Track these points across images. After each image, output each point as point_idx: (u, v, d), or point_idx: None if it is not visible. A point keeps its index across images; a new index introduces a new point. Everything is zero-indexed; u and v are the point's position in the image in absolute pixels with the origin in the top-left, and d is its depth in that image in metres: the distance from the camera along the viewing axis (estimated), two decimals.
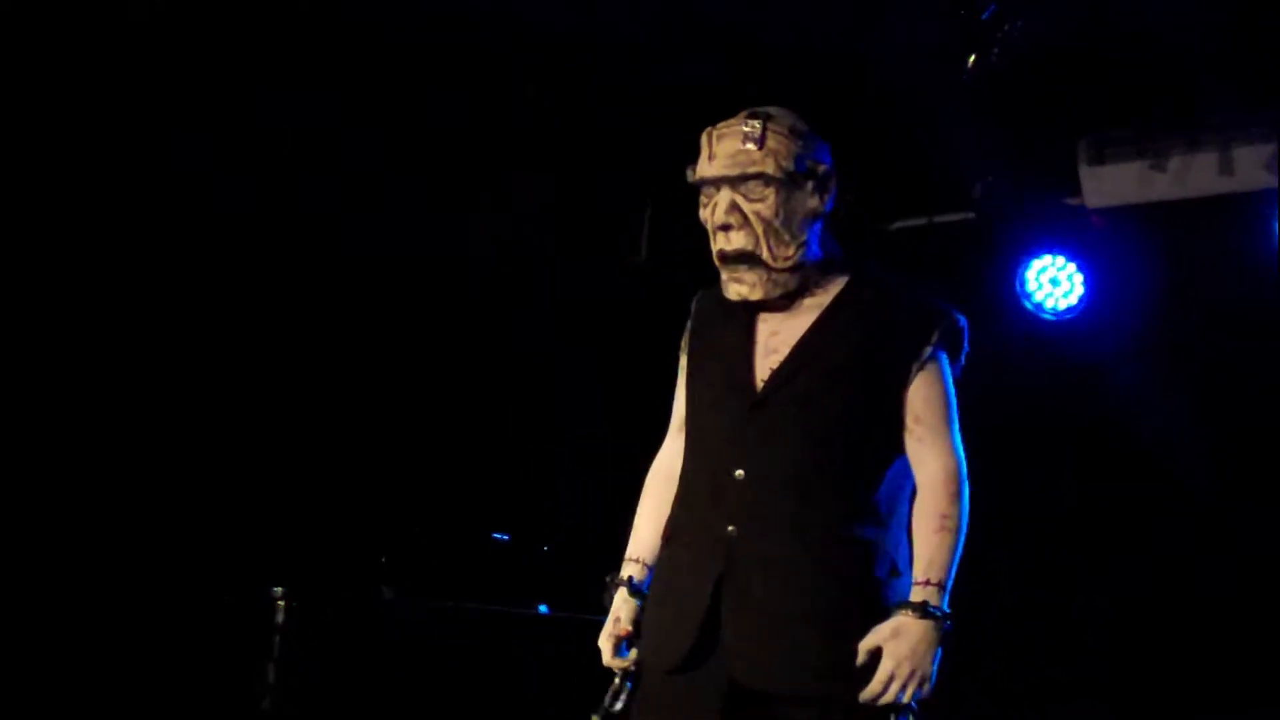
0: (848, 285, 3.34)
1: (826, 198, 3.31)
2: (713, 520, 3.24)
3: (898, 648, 3.07)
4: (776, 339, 3.31)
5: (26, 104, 5.64)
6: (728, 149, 3.27)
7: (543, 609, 5.83)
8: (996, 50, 5.17)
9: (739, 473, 3.22)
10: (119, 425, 5.98)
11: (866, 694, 3.07)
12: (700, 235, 3.35)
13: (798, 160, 3.25)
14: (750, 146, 3.24)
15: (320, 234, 6.43)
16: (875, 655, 3.09)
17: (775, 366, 3.28)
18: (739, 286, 3.30)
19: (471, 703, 5.53)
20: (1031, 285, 6.49)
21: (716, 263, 3.35)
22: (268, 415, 6.38)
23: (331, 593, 5.48)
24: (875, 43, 5.63)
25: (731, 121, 3.29)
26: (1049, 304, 6.47)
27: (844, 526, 3.19)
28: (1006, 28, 5.10)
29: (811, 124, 3.35)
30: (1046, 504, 6.35)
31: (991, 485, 6.40)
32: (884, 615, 3.13)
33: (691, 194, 3.37)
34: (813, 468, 3.20)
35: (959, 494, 3.23)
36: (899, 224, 6.84)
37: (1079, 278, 6.41)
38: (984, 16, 5.13)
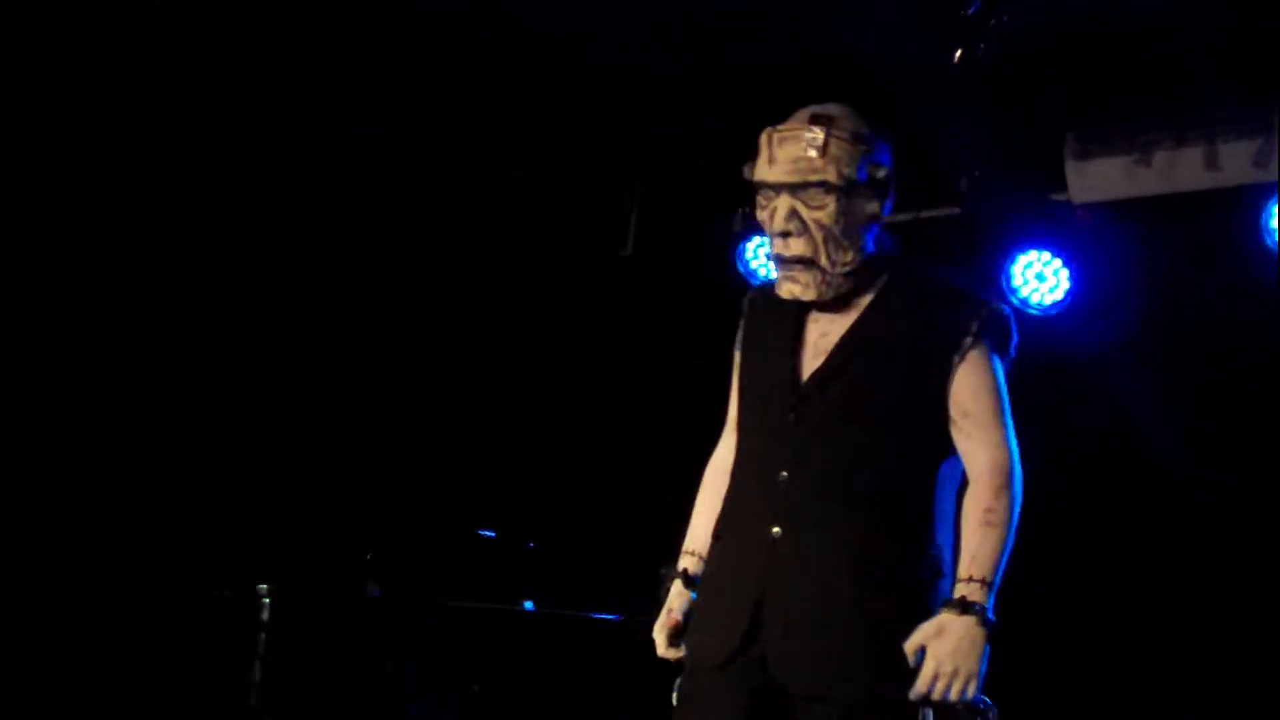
0: (888, 282, 3.34)
1: (885, 202, 3.32)
2: (759, 521, 3.25)
3: (940, 646, 3.07)
4: (825, 340, 3.32)
5: (27, 104, 5.63)
6: (789, 154, 3.25)
7: (528, 606, 5.82)
8: (982, 45, 5.16)
9: (783, 474, 3.23)
10: (111, 421, 5.98)
11: (914, 693, 3.08)
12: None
13: (860, 168, 3.25)
14: (813, 154, 3.23)
15: (320, 234, 6.43)
16: (921, 655, 3.08)
17: (817, 367, 3.29)
18: (793, 286, 3.29)
19: (457, 699, 5.52)
20: (1017, 280, 6.47)
21: (772, 264, 3.37)
22: (261, 412, 6.38)
23: (318, 589, 5.47)
24: (861, 37, 5.62)
25: (794, 125, 3.28)
26: (1035, 299, 6.46)
27: (886, 528, 3.20)
28: (993, 22, 5.09)
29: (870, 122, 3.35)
30: (1033, 500, 6.34)
31: None
32: (926, 617, 3.12)
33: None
34: (854, 468, 3.21)
35: (1007, 488, 3.22)
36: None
37: (1065, 273, 6.40)
38: (970, 11, 5.12)
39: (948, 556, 3.22)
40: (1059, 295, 6.42)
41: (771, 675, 3.18)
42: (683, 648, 3.35)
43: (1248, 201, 5.84)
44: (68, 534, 5.85)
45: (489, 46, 5.84)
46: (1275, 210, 5.76)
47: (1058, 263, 6.42)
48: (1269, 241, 5.76)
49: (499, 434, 7.01)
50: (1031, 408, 6.32)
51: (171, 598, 5.71)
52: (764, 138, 3.30)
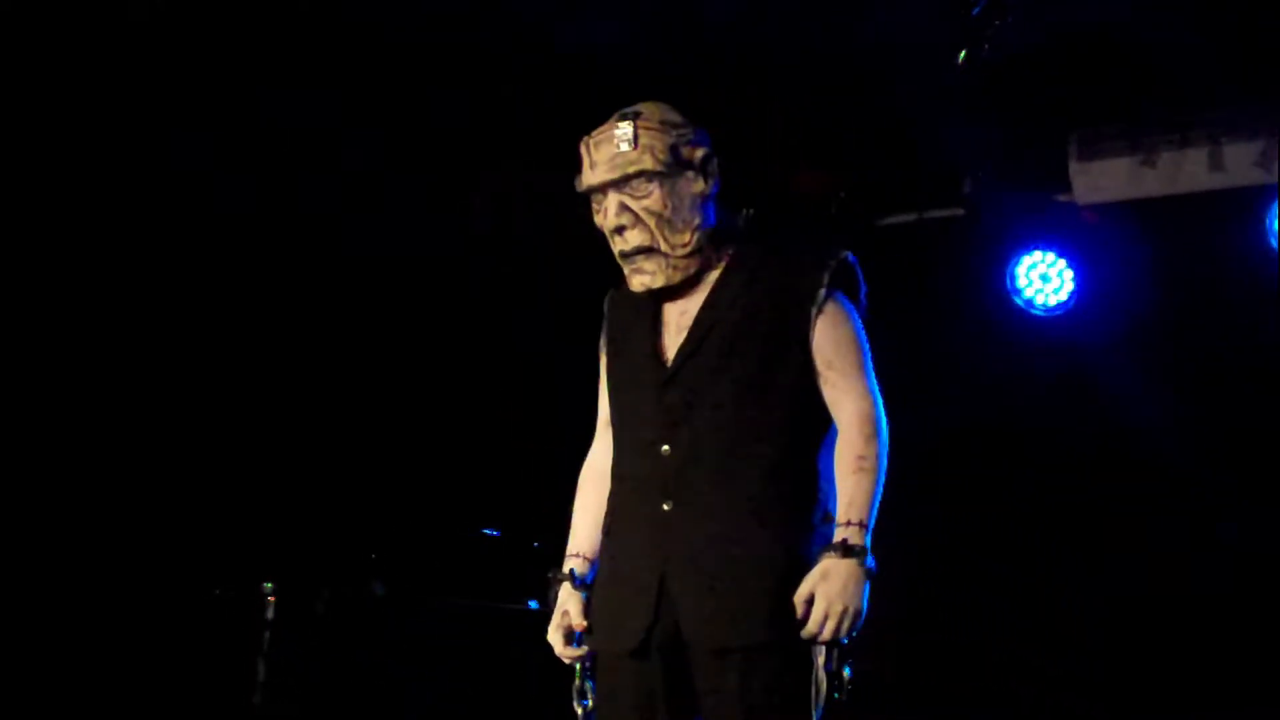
0: (736, 252, 3.41)
1: (711, 180, 3.39)
2: (649, 501, 3.31)
3: (828, 588, 3.12)
4: (685, 318, 3.39)
5: (26, 104, 5.63)
6: (605, 154, 3.35)
7: (533, 605, 5.83)
8: (987, 46, 5.16)
9: (664, 449, 3.30)
10: (113, 420, 5.98)
11: (805, 633, 3.14)
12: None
13: (672, 150, 3.33)
14: (625, 148, 3.32)
15: (320, 234, 6.43)
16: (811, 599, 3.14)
17: (680, 343, 3.36)
18: (641, 277, 3.38)
19: (462, 698, 5.53)
20: (1022, 281, 6.49)
21: (619, 262, 3.43)
22: (265, 411, 6.39)
23: (322, 588, 5.48)
24: (866, 39, 5.62)
25: (604, 127, 3.38)
26: (1039, 300, 6.47)
27: (774, 484, 3.25)
28: (997, 23, 5.10)
29: (687, 116, 3.41)
30: (1037, 499, 6.36)
31: (982, 480, 6.46)
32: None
33: None
34: (732, 432, 3.27)
35: (875, 435, 3.26)
36: (889, 220, 6.84)
37: (1069, 274, 6.42)
38: (975, 12, 5.12)
39: (834, 505, 3.28)
40: (1063, 296, 6.43)
41: (684, 640, 3.24)
42: (583, 647, 3.41)
43: (1251, 202, 5.85)
44: (72, 533, 5.85)
45: (487, 46, 5.83)
46: (1278, 211, 5.77)
47: (1062, 264, 6.43)
48: (1272, 242, 5.77)
49: (502, 433, 7.01)
50: (1035, 407, 6.39)
51: (176, 596, 5.71)
52: (582, 147, 3.40)
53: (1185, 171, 5.94)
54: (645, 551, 3.30)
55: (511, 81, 6.10)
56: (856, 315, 3.38)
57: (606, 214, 3.38)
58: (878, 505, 3.23)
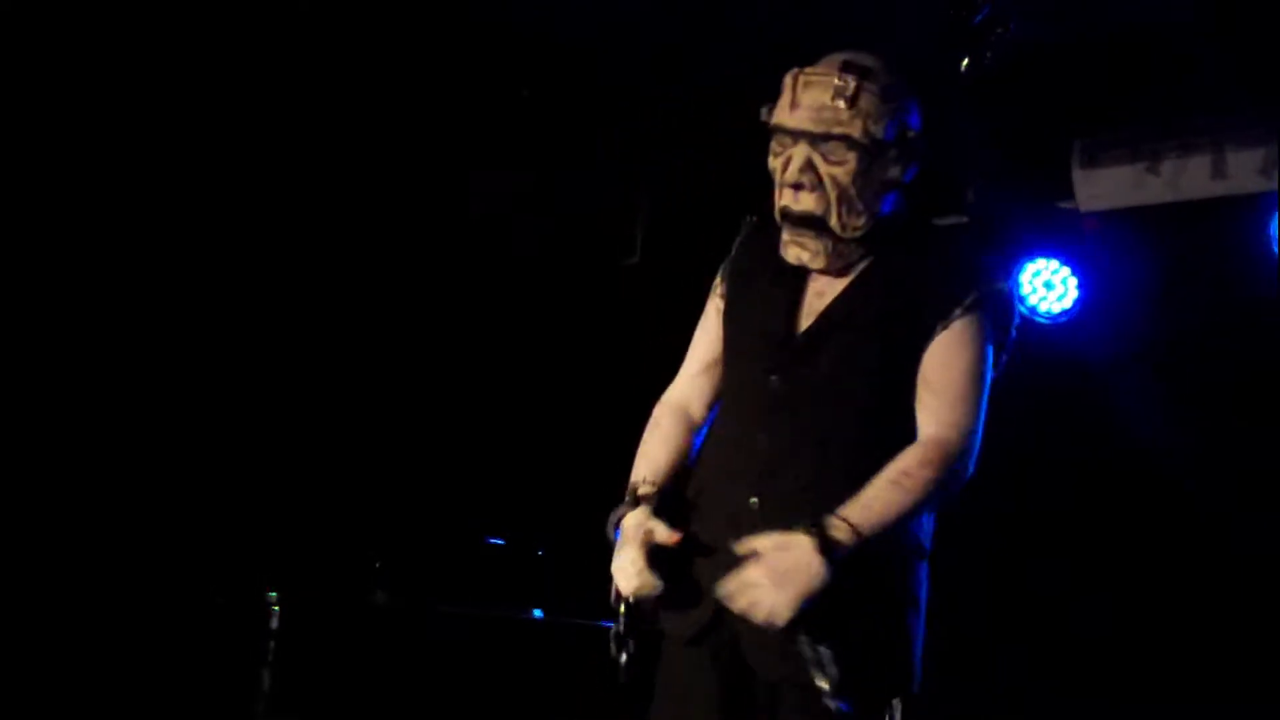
0: (893, 246, 3.08)
1: (909, 168, 3.08)
2: (736, 489, 3.03)
3: (776, 559, 2.82)
4: (820, 300, 3.08)
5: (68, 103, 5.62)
6: (814, 100, 3.00)
7: (537, 614, 5.83)
8: (989, 53, 5.16)
9: (762, 438, 3.01)
10: (115, 426, 5.98)
11: (719, 590, 2.86)
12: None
13: (888, 126, 3.01)
14: (840, 104, 2.97)
15: (323, 236, 6.43)
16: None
17: (805, 328, 3.06)
18: (800, 251, 3.05)
19: (465, 708, 5.52)
20: (1025, 289, 6.48)
21: (778, 218, 3.08)
22: (265, 419, 6.38)
23: (326, 597, 5.47)
24: (866, 45, 5.61)
25: (823, 68, 3.03)
26: (1042, 307, 6.46)
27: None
28: (999, 30, 5.09)
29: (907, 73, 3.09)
30: (1041, 508, 6.35)
31: (985, 490, 6.45)
32: (904, 598, 2.95)
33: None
34: (833, 436, 2.97)
35: (937, 465, 2.92)
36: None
37: (1073, 281, 6.41)
38: (976, 20, 5.12)
39: (928, 533, 3.04)
40: (1067, 304, 6.42)
41: (742, 659, 2.98)
42: (675, 534, 3.00)
43: (1255, 209, 5.85)
44: (77, 542, 5.85)
45: (487, 46, 5.82)
46: None
47: (1065, 271, 6.42)
48: (1275, 249, 5.76)
49: (507, 442, 7.01)
50: (1038, 415, 6.38)
51: (181, 605, 5.71)
52: (788, 79, 3.05)
53: (1188, 179, 5.93)
54: (723, 544, 2.96)
55: (521, 85, 6.06)
56: (988, 347, 3.04)
57: (790, 164, 3.00)
58: (894, 529, 2.89)
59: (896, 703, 2.94)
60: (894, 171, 3.05)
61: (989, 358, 3.06)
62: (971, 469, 3.02)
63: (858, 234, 3.03)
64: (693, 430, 3.22)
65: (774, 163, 3.07)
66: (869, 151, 2.99)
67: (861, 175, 3.00)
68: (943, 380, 2.99)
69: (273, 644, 5.24)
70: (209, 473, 6.19)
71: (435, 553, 5.95)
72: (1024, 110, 6.00)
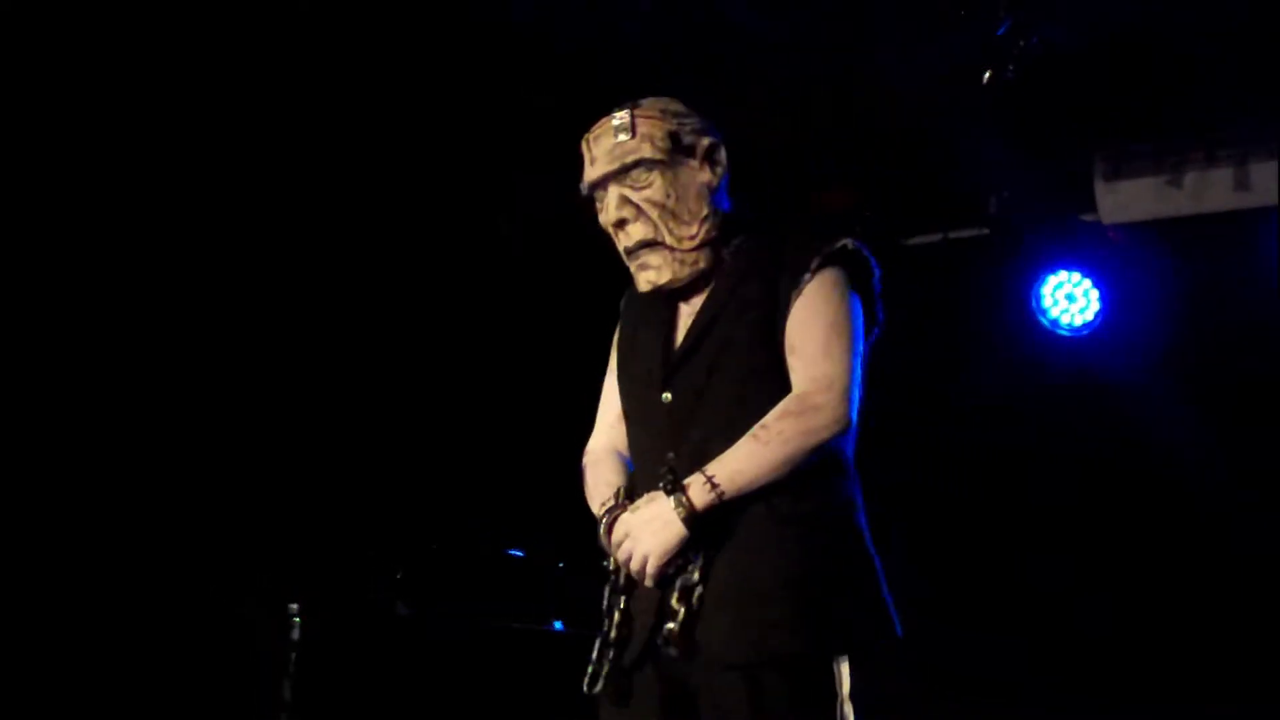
0: (741, 244, 3.19)
1: (719, 170, 3.19)
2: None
3: (634, 515, 3.02)
4: (690, 318, 3.19)
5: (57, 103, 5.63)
6: (604, 147, 3.16)
7: (558, 626, 5.83)
8: (1012, 66, 5.16)
9: (670, 455, 3.08)
10: (137, 438, 5.99)
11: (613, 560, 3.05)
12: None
13: (672, 137, 3.14)
14: (623, 137, 3.13)
15: (329, 238, 6.44)
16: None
17: (680, 342, 3.17)
18: (646, 273, 3.17)
19: (486, 718, 5.53)
20: (1047, 301, 6.48)
21: (625, 261, 3.22)
22: (286, 430, 6.39)
23: (348, 608, 5.48)
24: (890, 59, 5.63)
25: (602, 121, 3.19)
26: (1065, 320, 6.46)
27: (787, 488, 2.99)
28: (1022, 43, 5.10)
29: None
30: (1062, 519, 6.35)
31: (1007, 500, 6.45)
32: (838, 565, 3.00)
33: None
34: (731, 432, 3.02)
35: (795, 413, 2.98)
36: (915, 240, 6.84)
37: (1095, 293, 6.41)
38: (999, 32, 5.13)
39: (856, 509, 3.08)
40: (1089, 316, 6.42)
41: (704, 653, 3.00)
42: None
43: (1278, 221, 5.84)
44: (99, 555, 5.86)
45: (498, 49, 5.82)
46: None
47: (1087, 283, 6.42)
48: None
49: (529, 455, 7.01)
50: (1061, 427, 6.38)
51: (203, 617, 5.72)
52: (582, 145, 3.21)
53: (1211, 191, 5.93)
54: None
55: (524, 85, 6.05)
56: (849, 298, 3.11)
57: (607, 209, 3.18)
58: (757, 484, 2.96)
59: (844, 661, 2.97)
60: (703, 176, 3.17)
61: (853, 309, 3.12)
62: (848, 418, 3.03)
63: (695, 243, 3.15)
64: (625, 463, 3.34)
65: (601, 219, 3.22)
66: (668, 165, 3.14)
67: (672, 188, 3.14)
68: (803, 339, 3.06)
69: (294, 655, 5.25)
70: (232, 485, 6.20)
71: (456, 564, 5.95)
72: (1046, 122, 6.00)
